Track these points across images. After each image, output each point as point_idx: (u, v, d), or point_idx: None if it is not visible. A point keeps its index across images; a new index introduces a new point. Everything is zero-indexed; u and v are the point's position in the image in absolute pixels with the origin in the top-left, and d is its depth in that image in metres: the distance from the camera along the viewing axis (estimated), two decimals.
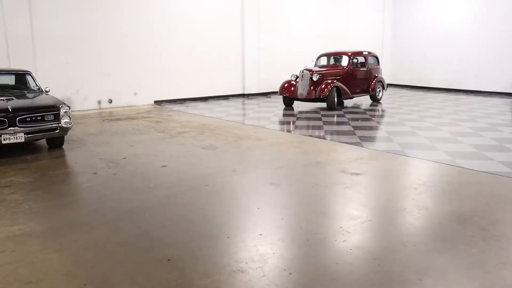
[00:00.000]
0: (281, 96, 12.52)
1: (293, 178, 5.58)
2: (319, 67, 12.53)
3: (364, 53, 13.00)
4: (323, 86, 11.41)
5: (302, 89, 11.57)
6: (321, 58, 13.14)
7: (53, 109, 6.86)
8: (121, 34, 11.78)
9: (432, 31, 17.22)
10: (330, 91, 11.32)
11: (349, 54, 12.56)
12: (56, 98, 7.42)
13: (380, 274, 3.18)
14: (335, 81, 11.62)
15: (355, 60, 12.57)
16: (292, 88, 11.96)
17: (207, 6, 13.49)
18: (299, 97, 11.73)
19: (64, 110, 6.93)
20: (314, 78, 11.51)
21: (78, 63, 11.17)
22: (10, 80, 8.11)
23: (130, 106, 12.27)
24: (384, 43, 18.95)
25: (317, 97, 11.44)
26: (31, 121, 6.60)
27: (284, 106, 12.28)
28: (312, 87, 11.55)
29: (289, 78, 12.30)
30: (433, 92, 16.31)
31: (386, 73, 19.11)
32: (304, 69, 11.83)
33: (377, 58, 13.46)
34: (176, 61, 12.96)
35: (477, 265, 3.30)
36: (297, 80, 11.93)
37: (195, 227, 4.04)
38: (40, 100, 7.19)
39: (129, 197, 4.88)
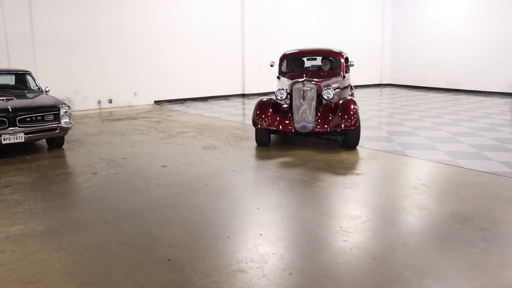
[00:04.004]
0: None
1: (293, 178, 5.58)
2: (298, 73, 7.98)
3: (343, 54, 8.69)
4: (344, 107, 6.77)
5: (306, 116, 6.85)
6: (288, 59, 8.76)
7: (53, 109, 6.86)
8: (121, 34, 11.79)
9: (432, 31, 17.22)
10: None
11: (338, 52, 8.60)
12: (56, 98, 7.42)
13: (380, 274, 3.18)
14: (352, 98, 7.41)
15: (350, 63, 8.71)
16: (279, 117, 7.02)
17: (207, 6, 13.50)
18: (299, 130, 6.91)
19: (64, 110, 6.94)
20: (326, 97, 7.02)
21: (78, 63, 11.18)
22: (10, 80, 8.12)
23: (130, 106, 12.27)
24: (384, 43, 18.95)
25: (335, 129, 6.79)
26: (31, 121, 6.61)
27: (255, 145, 7.28)
28: (320, 111, 6.97)
29: (269, 97, 7.38)
30: (433, 92, 16.31)
31: (386, 73, 19.20)
32: (305, 81, 6.92)
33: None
34: (176, 61, 12.97)
35: (477, 265, 3.30)
36: (284, 100, 7.24)
37: (195, 227, 4.04)
38: (40, 100, 7.19)
39: (129, 197, 4.88)
